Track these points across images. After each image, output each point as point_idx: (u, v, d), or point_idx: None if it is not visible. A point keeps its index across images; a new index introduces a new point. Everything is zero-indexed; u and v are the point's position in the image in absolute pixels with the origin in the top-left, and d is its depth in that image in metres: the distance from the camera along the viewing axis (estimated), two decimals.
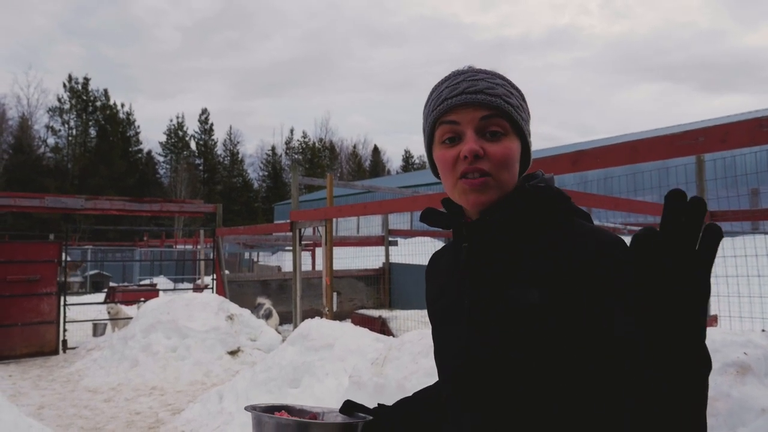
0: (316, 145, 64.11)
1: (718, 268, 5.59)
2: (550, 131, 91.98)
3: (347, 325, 5.19)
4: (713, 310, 5.80)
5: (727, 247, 5.74)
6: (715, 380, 1.91)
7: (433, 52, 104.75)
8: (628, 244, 0.79)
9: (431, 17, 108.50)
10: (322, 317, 6.37)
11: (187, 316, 7.73)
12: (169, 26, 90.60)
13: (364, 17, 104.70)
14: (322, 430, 0.99)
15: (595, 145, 3.45)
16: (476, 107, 0.92)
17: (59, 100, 49.42)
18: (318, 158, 62.06)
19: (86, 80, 50.44)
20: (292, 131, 67.29)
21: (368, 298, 12.67)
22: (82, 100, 50.09)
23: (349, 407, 1.10)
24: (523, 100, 0.99)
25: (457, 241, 1.02)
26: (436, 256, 1.17)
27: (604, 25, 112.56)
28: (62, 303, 9.31)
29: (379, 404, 1.16)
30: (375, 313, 9.72)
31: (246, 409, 1.04)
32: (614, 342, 0.77)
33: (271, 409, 1.08)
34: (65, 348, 9.23)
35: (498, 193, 0.93)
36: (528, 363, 0.84)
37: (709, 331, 2.19)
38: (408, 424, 1.11)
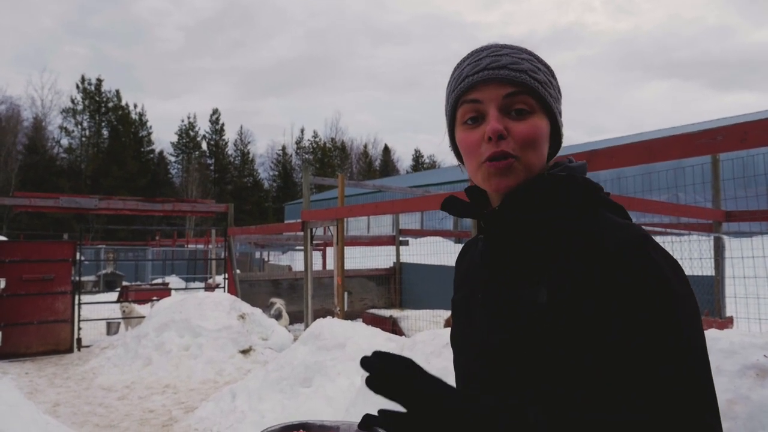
0: (327, 144, 64.23)
1: (734, 269, 5.52)
2: None
3: (359, 325, 5.20)
4: (729, 311, 5.75)
5: (743, 248, 5.67)
6: (734, 383, 1.88)
7: (437, 51, 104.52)
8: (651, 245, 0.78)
9: (434, 16, 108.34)
10: (333, 317, 6.38)
11: (200, 315, 7.78)
12: (172, 26, 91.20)
13: (366, 16, 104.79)
14: None
15: (607, 145, 3.42)
16: (499, 84, 0.86)
17: (72, 101, 49.94)
18: (329, 158, 62.17)
19: (99, 81, 50.92)
20: (302, 131, 67.47)
21: (379, 297, 12.68)
22: (95, 101, 50.56)
23: (368, 421, 1.02)
24: (553, 76, 0.93)
25: (479, 232, 0.99)
26: (465, 247, 1.12)
27: (610, 23, 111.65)
28: (76, 302, 9.41)
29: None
30: (386, 312, 9.73)
31: None
32: (615, 360, 0.74)
33: (289, 429, 1.01)
34: (80, 346, 9.32)
35: (524, 176, 0.87)
36: (534, 360, 0.80)
37: (728, 332, 2.17)
38: None
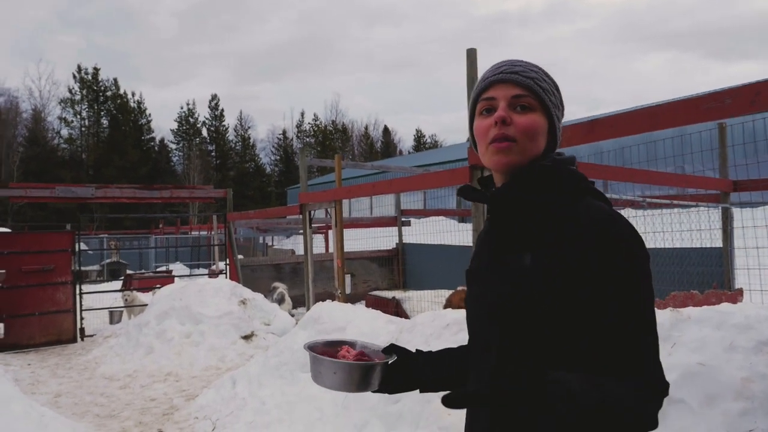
0: (328, 127, 63.82)
1: (746, 240, 5.38)
2: None
3: (359, 308, 5.11)
4: (740, 283, 5.61)
5: (752, 218, 5.52)
6: (749, 360, 1.76)
7: (432, 30, 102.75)
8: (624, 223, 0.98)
9: None
10: (335, 300, 6.29)
11: (200, 301, 7.72)
12: (165, 12, 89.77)
13: None
14: (348, 368, 1.16)
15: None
16: (510, 84, 1.08)
17: (70, 91, 49.59)
18: (330, 141, 61.83)
19: (96, 70, 50.51)
20: (302, 114, 66.73)
21: (382, 279, 12.60)
22: (93, 90, 50.20)
23: (391, 348, 1.26)
24: (557, 89, 1.13)
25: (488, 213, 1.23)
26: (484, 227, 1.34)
27: None
28: (78, 291, 9.36)
29: (417, 350, 1.32)
30: (389, 294, 9.65)
31: (304, 347, 1.25)
32: (593, 310, 0.94)
33: (333, 344, 1.28)
34: (83, 336, 9.29)
35: (518, 158, 1.07)
36: (524, 317, 0.99)
37: (742, 306, 2.04)
38: (438, 369, 1.26)
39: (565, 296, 0.95)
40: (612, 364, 0.90)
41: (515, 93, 1.07)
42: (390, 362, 1.23)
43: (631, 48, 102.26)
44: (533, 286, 0.98)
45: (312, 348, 1.24)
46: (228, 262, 10.93)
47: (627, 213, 6.28)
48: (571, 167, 1.09)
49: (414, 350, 1.31)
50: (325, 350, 1.25)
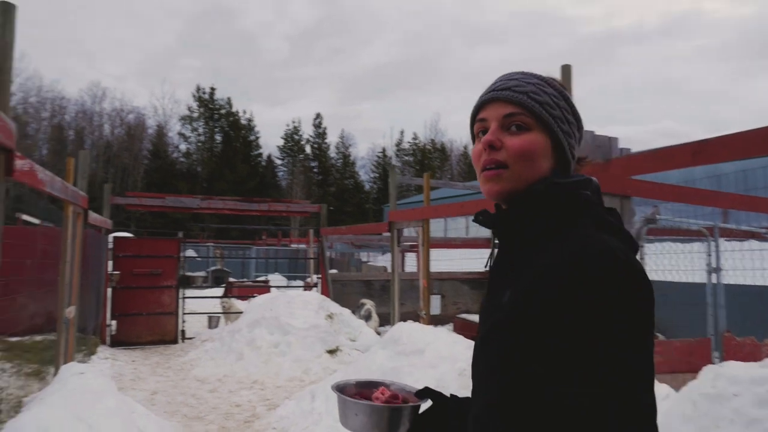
0: (426, 146, 64.16)
1: None
2: (671, 127, 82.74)
3: (441, 331, 4.95)
4: None
5: None
6: None
7: (536, 49, 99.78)
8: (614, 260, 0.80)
9: (532, 12, 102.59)
10: (418, 320, 6.17)
11: (289, 313, 7.91)
12: (277, 37, 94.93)
13: (462, 16, 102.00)
14: (371, 410, 1.10)
15: None
16: (501, 103, 0.98)
17: (189, 109, 53.76)
18: (428, 159, 62.07)
19: (212, 90, 54.42)
20: (402, 133, 67.45)
21: (473, 302, 12.28)
22: (209, 108, 54.08)
23: (424, 392, 1.19)
24: (563, 99, 1.00)
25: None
26: None
27: (729, 9, 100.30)
28: (181, 295, 9.98)
29: (452, 395, 1.22)
30: (477, 318, 9.36)
31: (331, 387, 1.20)
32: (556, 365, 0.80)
33: (371, 385, 1.23)
34: (183, 338, 9.87)
35: (511, 185, 0.95)
36: (497, 352, 0.88)
37: None
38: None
39: (523, 346, 0.83)
40: None
41: (507, 112, 0.97)
42: (421, 406, 1.16)
43: (759, 65, 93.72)
44: (504, 329, 0.87)
45: (345, 387, 1.19)
46: (320, 275, 11.17)
47: (749, 245, 5.64)
48: (582, 192, 0.93)
49: (449, 395, 1.23)
50: (361, 391, 1.21)
